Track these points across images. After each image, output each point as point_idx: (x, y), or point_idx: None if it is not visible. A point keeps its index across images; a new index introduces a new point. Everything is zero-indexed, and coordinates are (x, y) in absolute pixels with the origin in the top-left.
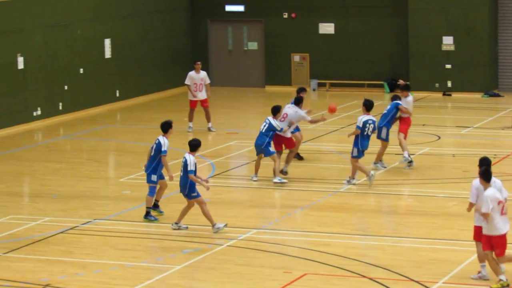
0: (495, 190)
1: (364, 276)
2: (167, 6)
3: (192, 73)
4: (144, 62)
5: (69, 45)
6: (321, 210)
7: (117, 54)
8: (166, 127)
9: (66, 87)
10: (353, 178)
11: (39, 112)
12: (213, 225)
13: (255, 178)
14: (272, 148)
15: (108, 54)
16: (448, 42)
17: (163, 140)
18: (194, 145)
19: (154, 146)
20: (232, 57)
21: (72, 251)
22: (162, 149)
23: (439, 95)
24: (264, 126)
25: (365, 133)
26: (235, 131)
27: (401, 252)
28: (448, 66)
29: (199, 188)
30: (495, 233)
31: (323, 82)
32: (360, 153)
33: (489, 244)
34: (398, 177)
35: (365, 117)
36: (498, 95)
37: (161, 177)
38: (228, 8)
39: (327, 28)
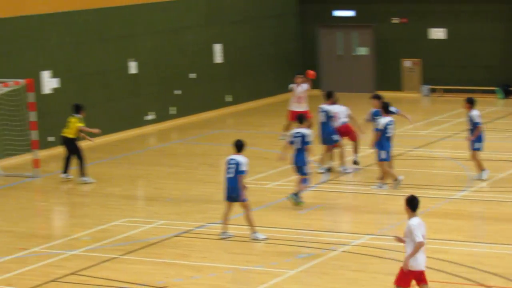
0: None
1: (481, 284)
2: (277, 11)
3: (293, 86)
4: (254, 67)
5: (180, 50)
6: (435, 216)
7: (228, 59)
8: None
9: (177, 92)
10: (385, 184)
11: (151, 117)
12: (253, 232)
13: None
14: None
15: (219, 59)
16: None
17: (305, 130)
18: (239, 146)
19: (299, 138)
20: (341, 62)
21: (187, 254)
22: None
23: None
24: None
25: (387, 134)
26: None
27: None
28: None
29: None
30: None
31: (435, 87)
32: (388, 156)
33: None
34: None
35: (386, 119)
36: None
37: None
38: (337, 13)
39: (437, 33)
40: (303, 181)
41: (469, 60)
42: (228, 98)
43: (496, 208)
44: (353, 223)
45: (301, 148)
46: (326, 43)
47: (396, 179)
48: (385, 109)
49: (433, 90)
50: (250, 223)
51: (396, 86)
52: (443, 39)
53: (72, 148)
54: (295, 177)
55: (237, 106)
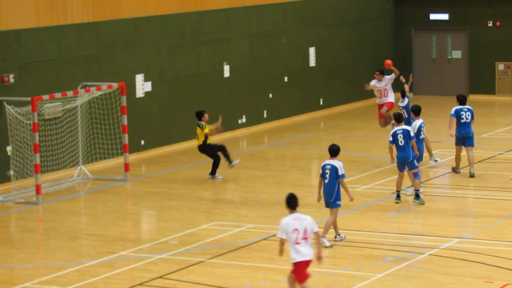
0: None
1: None
2: (372, 14)
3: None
4: (348, 71)
5: (273, 53)
6: None
7: (321, 62)
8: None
9: (270, 95)
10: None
11: (244, 120)
12: (337, 234)
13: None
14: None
15: (312, 62)
16: None
17: (406, 126)
18: (335, 150)
19: (401, 135)
20: (435, 65)
21: (274, 258)
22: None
23: None
24: None
25: (420, 137)
26: (438, 140)
27: None
28: None
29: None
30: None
31: None
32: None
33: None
34: None
35: (417, 122)
36: None
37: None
38: (433, 16)
39: None
40: (415, 175)
41: None
42: (321, 102)
43: None
44: (442, 226)
45: (405, 144)
46: (421, 46)
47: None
48: (416, 112)
49: None
50: (327, 226)
51: (490, 89)
52: None
53: (210, 153)
54: (407, 173)
55: (330, 109)
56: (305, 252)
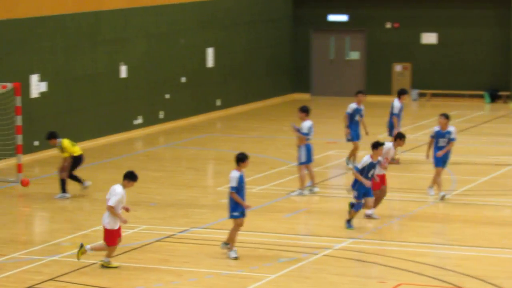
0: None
1: (459, 287)
2: (270, 15)
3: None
4: (246, 71)
5: (171, 54)
6: (417, 220)
7: (219, 63)
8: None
9: (167, 96)
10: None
11: (140, 121)
12: (230, 248)
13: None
14: None
15: (210, 63)
16: None
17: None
18: (237, 159)
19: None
20: (333, 66)
21: (168, 259)
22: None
23: None
24: None
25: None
26: (334, 140)
27: (497, 263)
28: None
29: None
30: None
31: (424, 92)
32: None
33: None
34: (495, 187)
35: (308, 123)
36: None
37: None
38: (331, 18)
39: (429, 38)
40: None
41: (457, 64)
42: (218, 102)
43: (477, 211)
44: (336, 227)
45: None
46: (319, 47)
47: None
48: (307, 112)
49: (422, 95)
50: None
51: (386, 90)
52: (434, 44)
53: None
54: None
55: (227, 110)
56: None
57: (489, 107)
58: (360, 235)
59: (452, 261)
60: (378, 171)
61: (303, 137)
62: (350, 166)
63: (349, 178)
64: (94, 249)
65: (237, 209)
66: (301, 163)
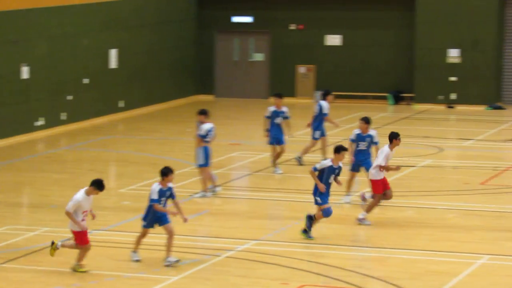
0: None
1: None
2: (175, 17)
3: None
4: (150, 73)
5: (74, 55)
6: (321, 221)
7: (123, 65)
8: None
9: (69, 97)
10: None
11: (42, 122)
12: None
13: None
14: None
15: (114, 64)
16: (453, 54)
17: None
18: (162, 173)
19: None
20: (237, 68)
21: (69, 262)
22: None
23: (442, 107)
24: None
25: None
26: (237, 142)
27: (399, 263)
28: (453, 79)
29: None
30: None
31: None
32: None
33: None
34: (399, 188)
35: (207, 125)
36: (501, 108)
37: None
38: (235, 19)
39: (333, 39)
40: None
41: (362, 66)
42: (121, 104)
43: (380, 212)
44: (239, 229)
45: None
46: (223, 49)
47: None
48: (206, 114)
49: None
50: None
51: (290, 92)
52: (338, 46)
53: None
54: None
55: (131, 111)
56: None
57: (393, 108)
58: (263, 237)
59: (355, 262)
60: (378, 175)
61: (201, 139)
62: (277, 171)
63: (252, 180)
64: (64, 245)
65: (145, 218)
66: (200, 165)
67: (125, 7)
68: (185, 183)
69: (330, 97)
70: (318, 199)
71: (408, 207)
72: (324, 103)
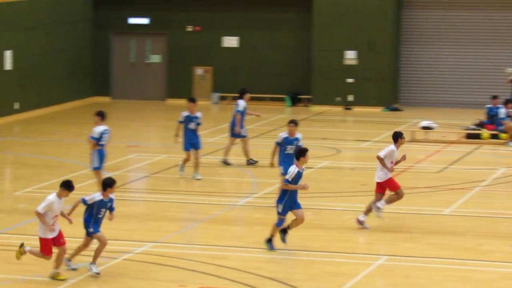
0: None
1: None
2: (71, 18)
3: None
4: (46, 74)
5: None
6: (219, 223)
7: (18, 66)
8: None
9: None
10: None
11: None
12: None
13: None
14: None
15: (8, 65)
16: (350, 56)
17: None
18: (105, 184)
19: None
20: (134, 70)
21: None
22: None
23: (340, 109)
24: None
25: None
26: (135, 144)
27: (297, 265)
28: (350, 80)
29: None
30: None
31: (225, 95)
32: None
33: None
34: None
35: (100, 128)
36: (398, 109)
37: None
38: (132, 20)
39: (231, 41)
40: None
41: (259, 68)
42: (16, 106)
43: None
44: (137, 231)
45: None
46: (119, 51)
47: None
48: (102, 116)
49: (223, 98)
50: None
51: (187, 93)
52: (235, 47)
53: None
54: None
55: (26, 113)
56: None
57: (290, 110)
58: (161, 239)
59: (252, 264)
60: (384, 175)
61: (94, 142)
62: (196, 176)
63: (149, 182)
64: (31, 252)
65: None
66: (94, 168)
67: (19, 7)
68: (82, 185)
69: (246, 96)
70: (279, 208)
71: (306, 208)
72: (240, 102)
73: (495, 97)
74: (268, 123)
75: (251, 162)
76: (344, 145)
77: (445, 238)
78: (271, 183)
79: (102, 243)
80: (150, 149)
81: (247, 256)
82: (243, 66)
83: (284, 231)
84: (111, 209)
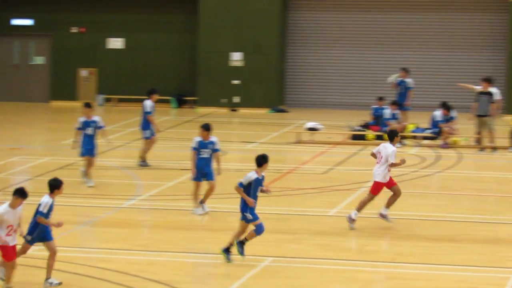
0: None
1: None
2: None
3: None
4: None
5: None
6: (103, 226)
7: None
8: None
9: None
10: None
11: None
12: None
13: None
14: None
15: None
16: (236, 58)
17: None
18: (53, 185)
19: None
20: (17, 71)
21: None
22: None
23: (226, 110)
24: None
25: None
26: (18, 146)
27: (182, 267)
28: (236, 82)
29: None
30: None
31: (110, 97)
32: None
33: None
34: (182, 192)
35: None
36: (284, 111)
37: None
38: (15, 22)
39: (116, 43)
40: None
41: (144, 69)
42: None
43: (162, 216)
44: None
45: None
46: (2, 52)
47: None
48: None
49: (108, 100)
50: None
51: (72, 95)
52: (120, 49)
53: None
54: None
55: None
56: None
57: (176, 112)
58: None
59: (137, 267)
60: (387, 175)
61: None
62: (88, 183)
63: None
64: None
65: (31, 233)
66: None
67: None
68: None
69: (154, 96)
70: (249, 215)
71: (190, 210)
72: (147, 102)
73: (380, 98)
74: None
75: (143, 164)
76: (230, 146)
77: (330, 239)
78: (157, 185)
79: (53, 252)
80: (33, 152)
81: (132, 258)
82: (128, 68)
83: (241, 244)
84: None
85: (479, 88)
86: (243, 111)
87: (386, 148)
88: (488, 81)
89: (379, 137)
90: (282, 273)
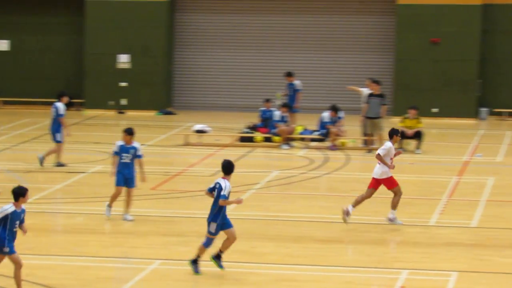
0: None
1: None
2: None
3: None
4: None
5: None
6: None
7: None
8: None
9: None
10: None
11: None
12: None
13: None
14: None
15: None
16: (123, 60)
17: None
18: (18, 193)
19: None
20: None
21: None
22: None
23: (113, 113)
24: None
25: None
26: None
27: (70, 271)
28: (123, 84)
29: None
30: None
31: None
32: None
33: None
34: (69, 195)
35: None
36: (172, 113)
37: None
38: None
39: (1, 44)
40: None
41: (30, 72)
42: None
43: (50, 219)
44: None
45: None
46: None
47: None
48: None
49: None
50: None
51: None
52: (6, 51)
53: None
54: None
55: None
56: None
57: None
58: None
59: (25, 270)
60: (385, 173)
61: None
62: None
63: None
64: None
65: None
66: None
67: None
68: None
69: (65, 98)
70: (214, 226)
71: (78, 213)
72: (59, 105)
73: (267, 100)
74: (40, 128)
75: (59, 165)
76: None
77: (219, 242)
78: (42, 188)
79: (19, 265)
80: None
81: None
82: (13, 70)
83: (218, 258)
84: (22, 221)
85: (365, 90)
86: (130, 113)
87: (384, 146)
88: (377, 82)
89: (268, 139)
90: (171, 276)
